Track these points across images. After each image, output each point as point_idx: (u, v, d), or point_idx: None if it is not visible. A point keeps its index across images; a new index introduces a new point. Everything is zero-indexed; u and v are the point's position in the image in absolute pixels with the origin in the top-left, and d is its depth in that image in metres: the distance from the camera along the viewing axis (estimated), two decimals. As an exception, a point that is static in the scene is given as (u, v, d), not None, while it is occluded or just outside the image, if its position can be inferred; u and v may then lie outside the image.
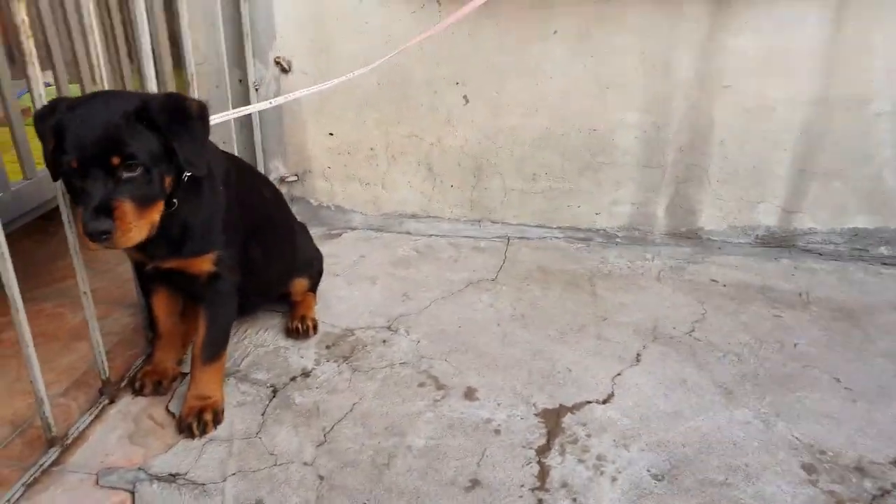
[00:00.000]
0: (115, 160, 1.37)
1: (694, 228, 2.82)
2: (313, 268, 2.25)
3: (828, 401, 1.79)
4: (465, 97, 2.76)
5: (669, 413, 1.75)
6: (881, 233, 2.62)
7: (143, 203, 1.42)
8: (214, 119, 1.66)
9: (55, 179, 1.45)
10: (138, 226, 1.42)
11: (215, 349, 1.75)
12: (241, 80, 2.78)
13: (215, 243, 1.64)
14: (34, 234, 2.76)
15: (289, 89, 2.86)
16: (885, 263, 2.59)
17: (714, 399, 1.81)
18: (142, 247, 1.56)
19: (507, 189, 2.89)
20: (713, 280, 2.50)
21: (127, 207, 1.38)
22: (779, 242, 2.75)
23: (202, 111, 1.50)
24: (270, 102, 1.83)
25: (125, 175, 1.39)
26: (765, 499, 1.47)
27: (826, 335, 2.11)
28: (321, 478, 1.55)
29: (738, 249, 2.75)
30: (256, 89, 2.80)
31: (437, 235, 2.94)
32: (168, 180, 1.49)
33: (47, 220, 1.65)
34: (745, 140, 2.63)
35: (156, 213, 1.47)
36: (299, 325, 2.12)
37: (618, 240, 2.87)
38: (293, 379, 1.93)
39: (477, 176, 2.90)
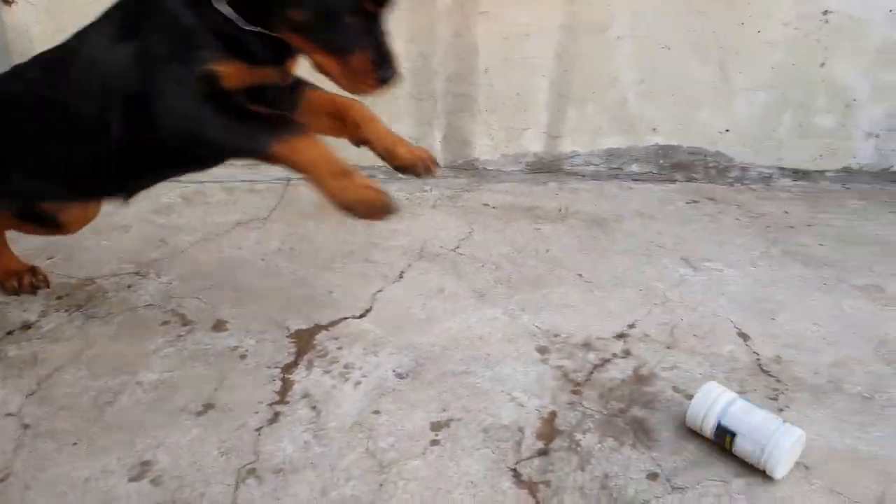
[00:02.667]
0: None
1: (470, 160, 2.86)
2: None
3: (569, 294, 1.89)
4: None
5: (423, 319, 1.75)
6: (632, 152, 2.81)
7: None
8: None
9: None
10: None
11: None
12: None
13: None
14: None
15: (15, 23, 2.50)
16: (635, 179, 2.79)
17: (468, 303, 1.84)
18: None
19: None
20: (485, 204, 2.56)
21: None
22: (547, 167, 2.86)
23: None
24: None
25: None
26: (500, 380, 1.51)
27: (577, 241, 2.21)
28: (25, 426, 1.37)
29: (511, 177, 2.83)
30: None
31: (209, 182, 2.74)
32: None
33: None
34: (506, 68, 2.70)
35: None
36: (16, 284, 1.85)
37: (400, 175, 2.84)
38: (9, 333, 1.69)
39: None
